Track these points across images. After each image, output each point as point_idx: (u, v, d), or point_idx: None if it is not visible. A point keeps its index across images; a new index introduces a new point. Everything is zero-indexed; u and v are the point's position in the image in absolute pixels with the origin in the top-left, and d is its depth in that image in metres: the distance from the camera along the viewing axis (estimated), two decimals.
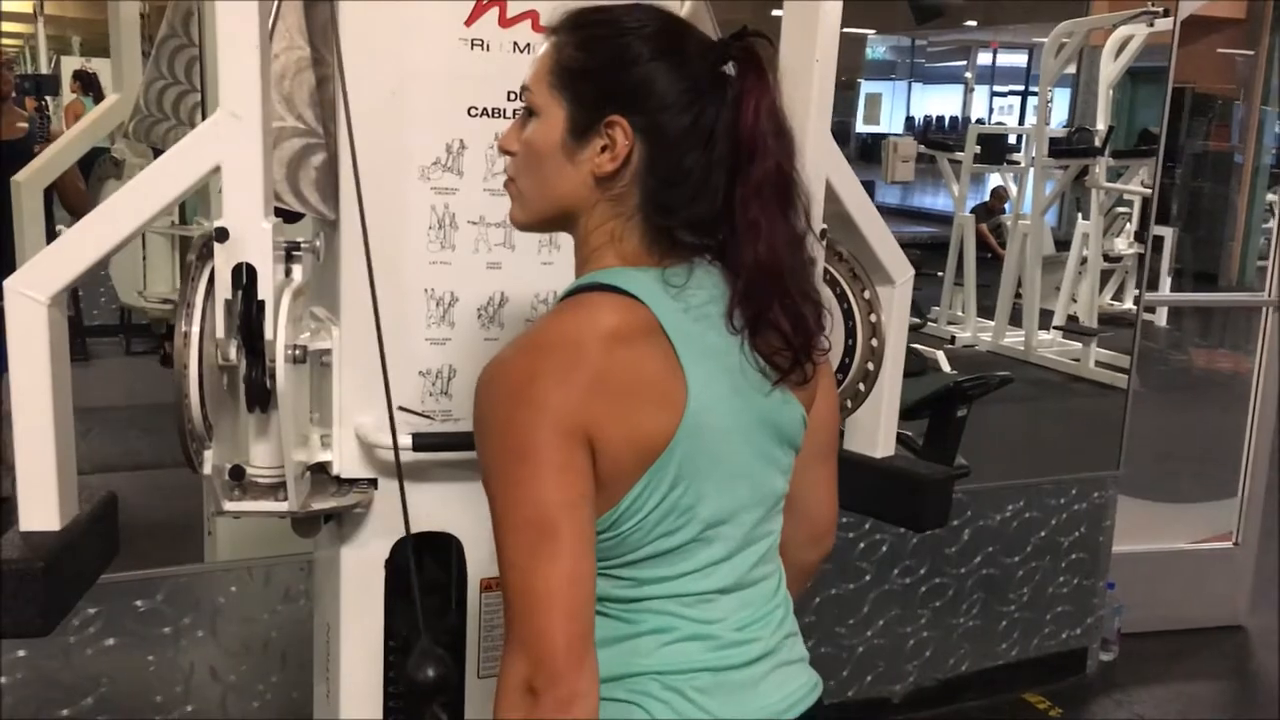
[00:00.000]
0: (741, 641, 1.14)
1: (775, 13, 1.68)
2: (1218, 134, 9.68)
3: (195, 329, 1.33)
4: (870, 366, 1.70)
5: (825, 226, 1.66)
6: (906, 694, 3.19)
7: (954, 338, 7.10)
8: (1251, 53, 8.75)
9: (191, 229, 2.80)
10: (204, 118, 2.50)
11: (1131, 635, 3.58)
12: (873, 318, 1.69)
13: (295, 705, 2.39)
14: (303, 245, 1.46)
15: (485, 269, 1.57)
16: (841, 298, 1.70)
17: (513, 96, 1.52)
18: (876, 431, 1.81)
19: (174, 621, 2.31)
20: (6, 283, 1.34)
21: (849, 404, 1.73)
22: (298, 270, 1.45)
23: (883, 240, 1.74)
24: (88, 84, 8.90)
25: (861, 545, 3.03)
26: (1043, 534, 3.31)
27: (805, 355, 1.14)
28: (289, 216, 1.53)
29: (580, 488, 1.03)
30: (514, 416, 1.03)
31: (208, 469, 1.42)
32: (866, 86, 16.60)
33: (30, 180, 2.66)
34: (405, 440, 1.51)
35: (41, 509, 1.37)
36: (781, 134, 1.11)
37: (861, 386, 1.71)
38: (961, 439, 3.92)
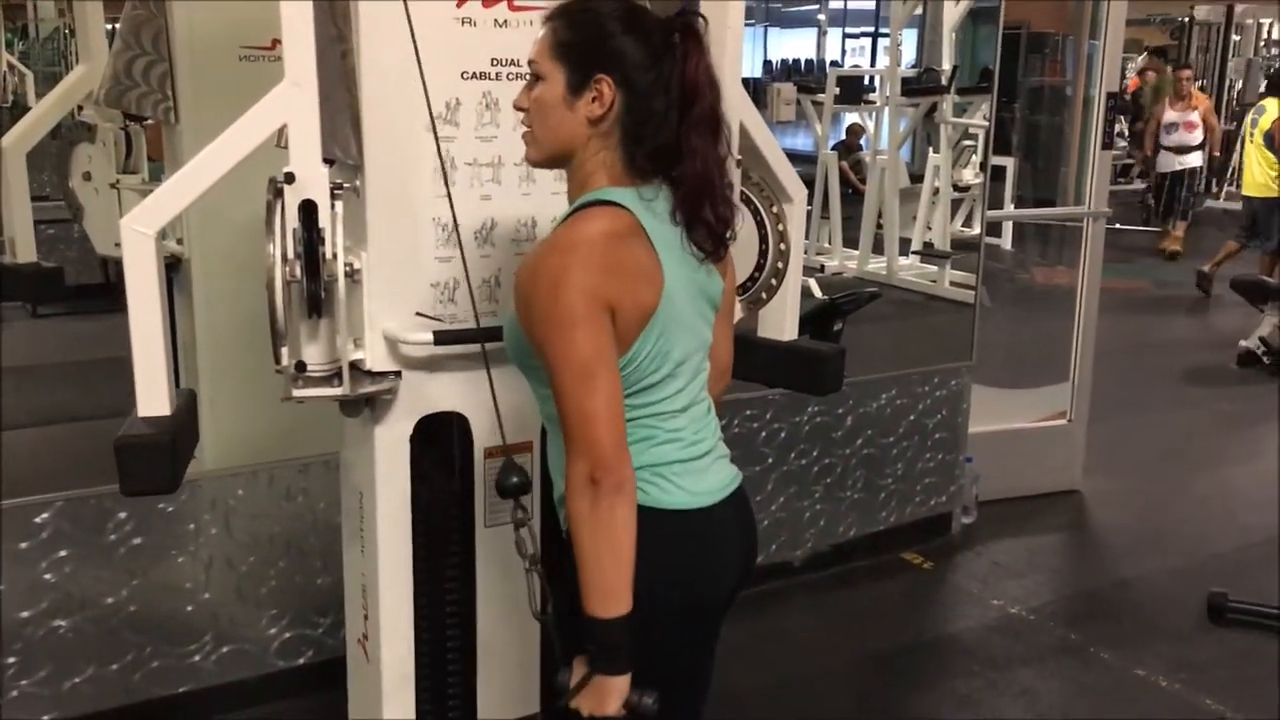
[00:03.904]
0: (696, 441, 1.61)
1: None
2: (1052, 70, 10.37)
3: (278, 251, 1.72)
4: (780, 265, 2.17)
5: (740, 158, 2.11)
6: (806, 558, 3.64)
7: (823, 266, 7.64)
8: None
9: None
10: (173, 84, 2.84)
11: (987, 502, 4.09)
12: (780, 227, 2.16)
13: (298, 587, 2.75)
14: (345, 187, 1.84)
15: (479, 200, 1.95)
16: (756, 213, 2.16)
17: (495, 62, 1.91)
18: (784, 320, 2.29)
19: (195, 519, 2.64)
20: (123, 221, 1.70)
21: (764, 296, 2.20)
22: (339, 206, 1.84)
23: (783, 168, 2.21)
24: None
25: (763, 433, 3.46)
26: (911, 418, 3.78)
27: (722, 241, 1.60)
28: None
29: (608, 341, 1.47)
30: (558, 295, 1.45)
31: (284, 362, 1.80)
32: None
33: (14, 145, 2.87)
34: (428, 336, 1.92)
35: (155, 399, 1.74)
36: (713, 84, 1.57)
37: (774, 281, 2.18)
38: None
